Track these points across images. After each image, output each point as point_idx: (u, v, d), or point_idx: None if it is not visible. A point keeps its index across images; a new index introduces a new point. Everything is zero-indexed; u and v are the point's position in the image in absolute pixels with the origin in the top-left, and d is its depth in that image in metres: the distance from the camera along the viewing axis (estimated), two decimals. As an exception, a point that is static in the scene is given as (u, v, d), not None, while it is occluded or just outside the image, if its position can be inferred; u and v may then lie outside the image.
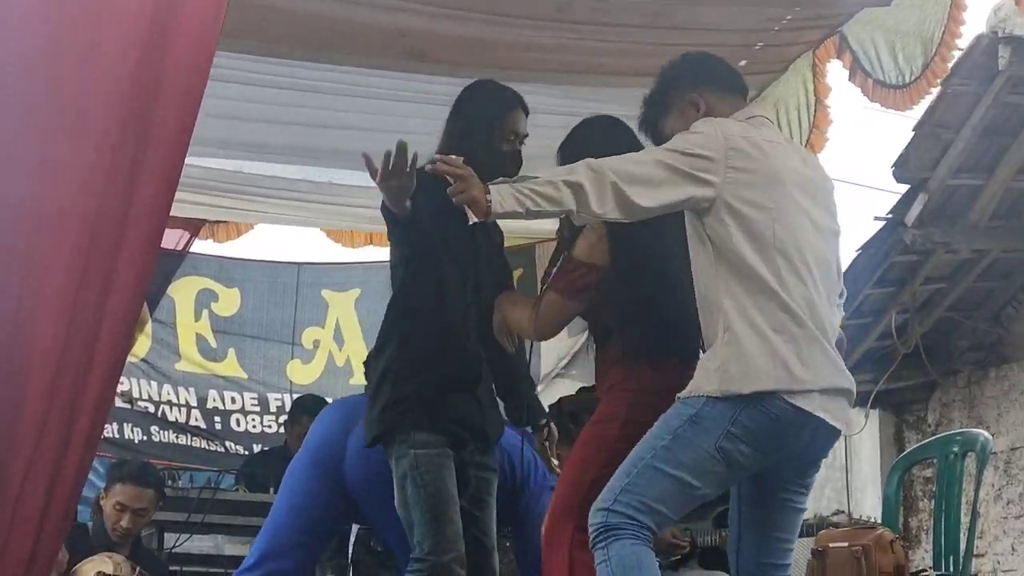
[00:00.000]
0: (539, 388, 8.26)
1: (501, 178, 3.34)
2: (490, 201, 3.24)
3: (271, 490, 6.16)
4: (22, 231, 2.61)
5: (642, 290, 3.75)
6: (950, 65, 5.79)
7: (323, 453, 4.52)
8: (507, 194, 3.24)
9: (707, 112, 3.56)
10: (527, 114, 4.24)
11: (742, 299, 3.32)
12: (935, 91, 5.96)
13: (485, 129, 4.14)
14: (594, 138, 3.94)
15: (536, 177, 3.28)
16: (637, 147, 3.77)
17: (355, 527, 4.99)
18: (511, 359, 4.26)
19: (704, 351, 3.46)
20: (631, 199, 3.26)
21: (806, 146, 6.28)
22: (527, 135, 4.24)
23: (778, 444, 3.31)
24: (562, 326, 3.92)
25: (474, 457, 4.15)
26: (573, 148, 3.88)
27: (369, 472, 4.30)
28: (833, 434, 3.43)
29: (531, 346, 4.19)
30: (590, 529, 3.32)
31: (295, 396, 7.95)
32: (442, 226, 4.02)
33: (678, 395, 3.40)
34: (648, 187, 3.29)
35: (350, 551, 5.16)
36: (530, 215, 3.30)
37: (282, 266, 8.41)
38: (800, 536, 5.98)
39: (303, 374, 8.53)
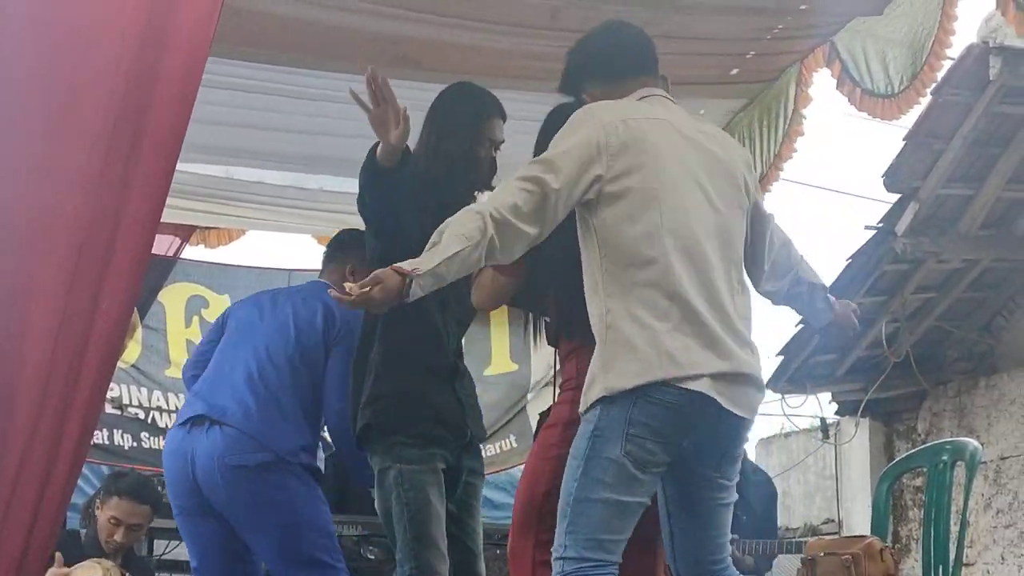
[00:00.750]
0: (529, 396, 8.31)
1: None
2: (407, 295, 3.05)
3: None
4: (12, 234, 2.61)
5: (570, 278, 3.52)
6: (938, 75, 5.80)
7: (177, 493, 4.51)
8: (426, 279, 3.07)
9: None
10: (504, 120, 4.23)
11: (625, 292, 3.23)
12: (923, 101, 5.96)
13: (463, 136, 4.11)
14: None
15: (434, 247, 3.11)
16: None
17: (343, 532, 4.98)
18: (462, 379, 4.24)
19: None
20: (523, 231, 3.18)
21: (775, 155, 6.29)
22: (503, 141, 4.22)
23: (681, 430, 3.22)
24: (498, 298, 3.83)
25: (464, 461, 4.15)
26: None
27: (229, 490, 4.33)
28: (738, 423, 3.32)
29: None
30: None
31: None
32: (418, 220, 4.00)
33: (579, 411, 3.33)
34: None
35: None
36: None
37: (273, 272, 8.39)
38: (793, 552, 6.05)
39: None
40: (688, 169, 3.34)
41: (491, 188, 4.17)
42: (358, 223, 4.30)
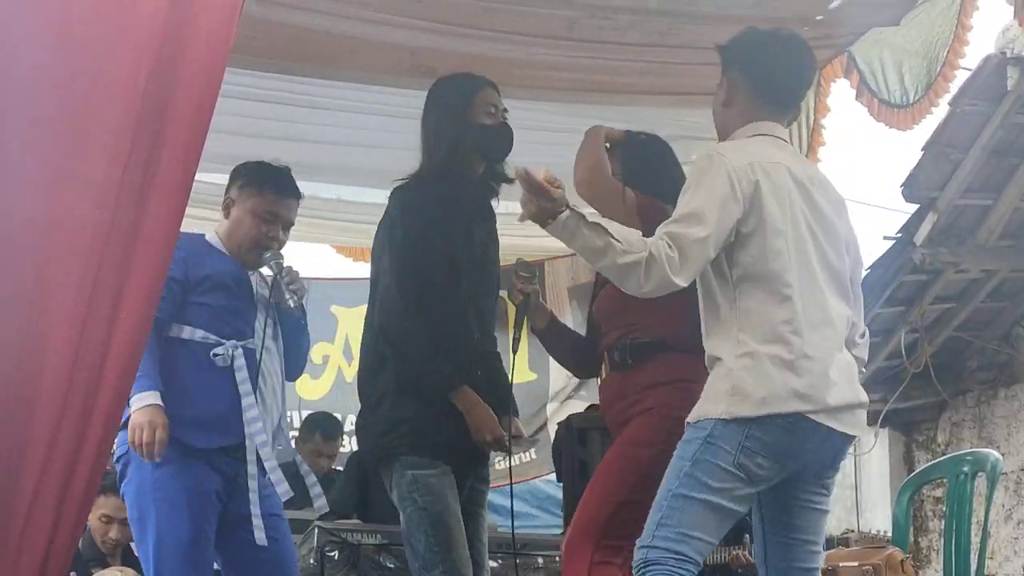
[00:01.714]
0: (549, 408, 8.31)
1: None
2: (553, 220, 3.28)
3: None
4: (33, 244, 2.61)
5: (686, 314, 3.66)
6: (952, 85, 5.80)
7: None
8: (573, 222, 3.28)
9: (732, 104, 3.59)
10: (497, 90, 4.21)
11: (756, 320, 3.34)
12: (936, 111, 5.96)
13: (459, 108, 4.10)
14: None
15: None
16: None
17: (362, 541, 4.98)
18: (501, 377, 4.24)
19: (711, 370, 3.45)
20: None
21: None
22: (507, 109, 4.20)
23: (794, 452, 3.33)
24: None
25: (472, 468, 4.14)
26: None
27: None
28: (847, 439, 3.44)
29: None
30: (633, 566, 3.33)
31: (304, 412, 7.95)
32: (445, 241, 4.02)
33: (687, 420, 3.41)
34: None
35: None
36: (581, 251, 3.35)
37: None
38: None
39: (312, 390, 8.52)
40: (805, 208, 3.45)
41: (506, 153, 4.17)
42: (374, 231, 4.29)
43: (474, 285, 4.10)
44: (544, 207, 3.26)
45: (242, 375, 4.04)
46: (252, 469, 4.01)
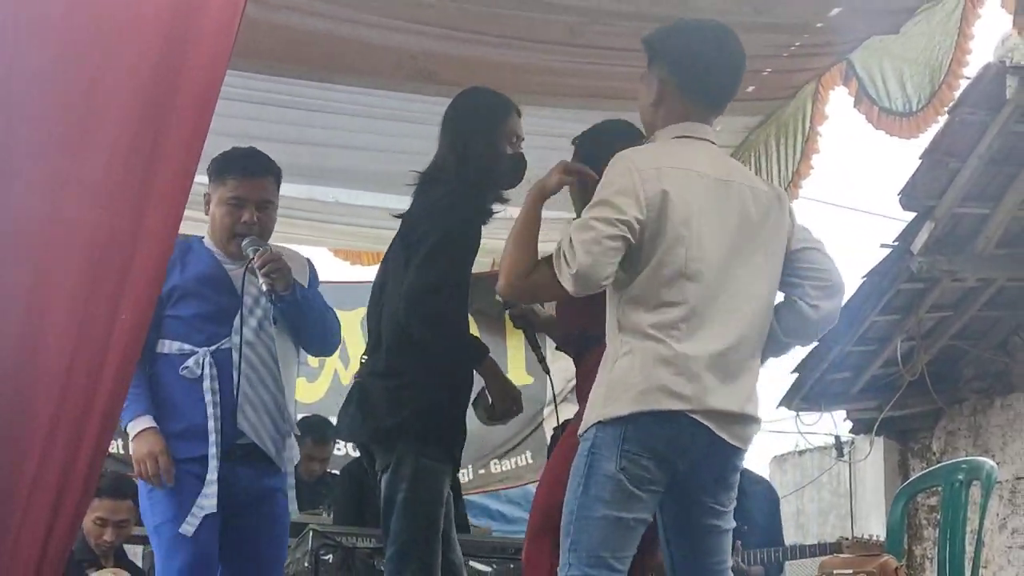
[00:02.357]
0: (546, 411, 8.30)
1: None
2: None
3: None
4: (32, 244, 2.61)
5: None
6: (956, 94, 5.80)
7: None
8: None
9: (661, 103, 3.49)
10: (520, 116, 4.26)
11: (638, 329, 3.29)
12: (940, 119, 5.96)
13: (488, 134, 4.14)
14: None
15: None
16: None
17: (356, 545, 4.98)
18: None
19: None
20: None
21: (793, 174, 6.29)
22: (523, 138, 4.25)
23: (674, 451, 3.26)
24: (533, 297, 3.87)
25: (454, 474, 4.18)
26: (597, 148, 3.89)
27: None
28: (731, 450, 3.34)
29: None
30: None
31: (300, 415, 7.94)
32: (474, 245, 4.09)
33: (577, 433, 3.39)
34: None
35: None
36: None
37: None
38: (801, 557, 6.01)
39: (309, 392, 8.50)
40: (712, 216, 3.34)
41: (517, 184, 4.20)
42: (374, 235, 4.34)
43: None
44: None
45: (208, 384, 4.03)
46: (212, 476, 3.99)
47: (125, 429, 4.04)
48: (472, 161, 4.10)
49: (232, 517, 4.05)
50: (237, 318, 4.09)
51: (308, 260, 4.46)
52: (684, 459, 3.28)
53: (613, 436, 3.25)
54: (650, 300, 3.28)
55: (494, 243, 4.38)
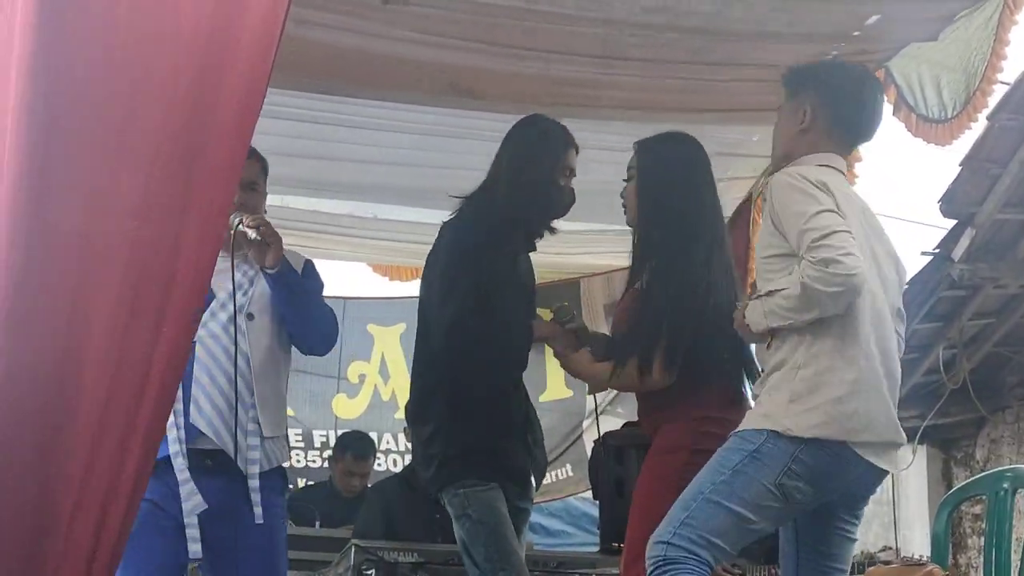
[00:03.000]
0: (585, 424, 8.29)
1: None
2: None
3: (316, 524, 6.18)
4: (73, 257, 2.62)
5: (704, 318, 3.77)
6: (990, 99, 5.76)
7: None
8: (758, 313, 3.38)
9: (809, 131, 3.58)
10: (577, 151, 4.29)
11: (821, 338, 3.33)
12: (974, 125, 5.92)
13: (547, 166, 4.20)
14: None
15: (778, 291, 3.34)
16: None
17: (399, 560, 4.98)
18: (534, 421, 4.31)
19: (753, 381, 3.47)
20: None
21: None
22: (575, 174, 4.30)
23: (835, 482, 3.34)
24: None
25: (514, 496, 4.19)
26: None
27: None
28: (882, 474, 3.46)
29: None
30: (647, 562, 3.31)
31: (340, 431, 7.96)
32: (507, 274, 4.16)
33: (735, 430, 3.41)
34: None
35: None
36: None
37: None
38: (850, 574, 5.98)
39: (348, 409, 8.53)
40: (871, 237, 3.48)
41: (563, 217, 4.28)
42: (413, 250, 4.37)
43: (516, 311, 4.21)
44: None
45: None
46: (184, 474, 3.70)
47: None
48: (526, 188, 4.14)
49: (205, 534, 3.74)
50: (207, 312, 3.77)
51: (308, 260, 4.25)
52: (841, 485, 3.36)
53: (784, 452, 3.28)
54: (837, 323, 3.33)
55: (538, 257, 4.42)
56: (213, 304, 3.81)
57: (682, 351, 3.75)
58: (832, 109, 3.58)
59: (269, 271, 3.89)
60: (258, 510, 3.80)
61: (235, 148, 2.77)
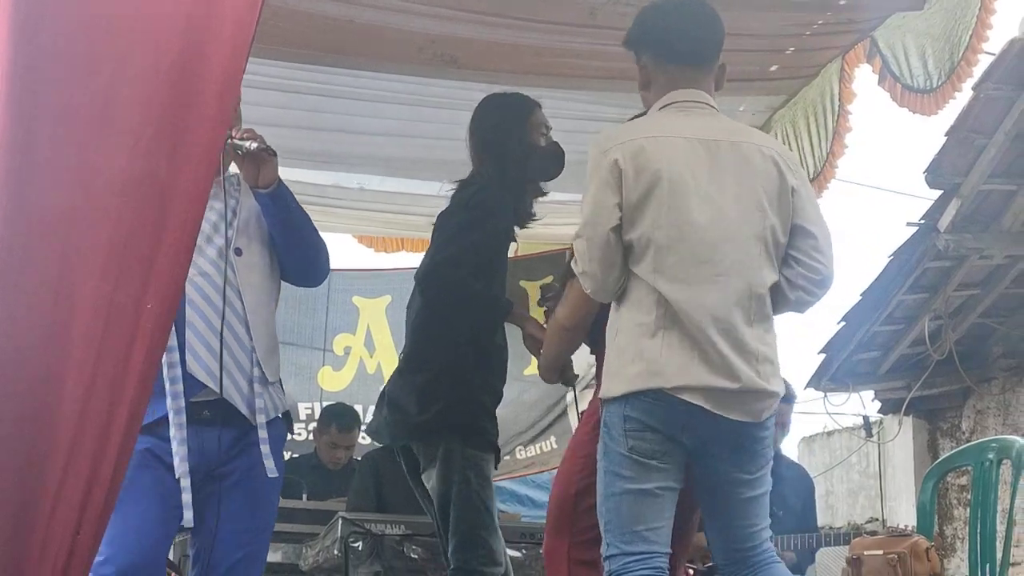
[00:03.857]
0: (569, 397, 8.29)
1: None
2: None
3: (303, 496, 6.18)
4: (57, 234, 2.62)
5: None
6: (975, 70, 5.75)
7: None
8: None
9: (650, 84, 3.52)
10: (540, 107, 4.34)
11: (631, 304, 3.31)
12: (959, 96, 5.92)
13: (519, 131, 4.19)
14: None
15: None
16: None
17: (386, 532, 4.98)
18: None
19: None
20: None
21: (828, 154, 6.26)
22: (551, 127, 4.33)
23: (673, 427, 3.26)
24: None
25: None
26: None
27: None
28: (739, 425, 3.29)
29: None
30: None
31: (325, 404, 7.95)
32: (504, 247, 4.19)
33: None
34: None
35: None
36: None
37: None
38: (835, 544, 6.01)
39: (334, 381, 8.52)
40: (699, 180, 3.32)
41: (560, 172, 4.29)
42: (398, 221, 4.35)
43: (501, 284, 4.27)
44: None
45: None
46: (178, 432, 3.38)
47: None
48: (510, 161, 4.15)
49: (204, 484, 3.47)
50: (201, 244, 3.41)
51: None
52: (688, 433, 3.27)
53: (616, 415, 3.28)
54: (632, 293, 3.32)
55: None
56: (198, 238, 3.31)
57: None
58: (653, 50, 3.49)
59: (263, 191, 3.56)
60: (269, 463, 3.52)
61: (217, 125, 2.76)
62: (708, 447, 3.31)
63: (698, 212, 3.28)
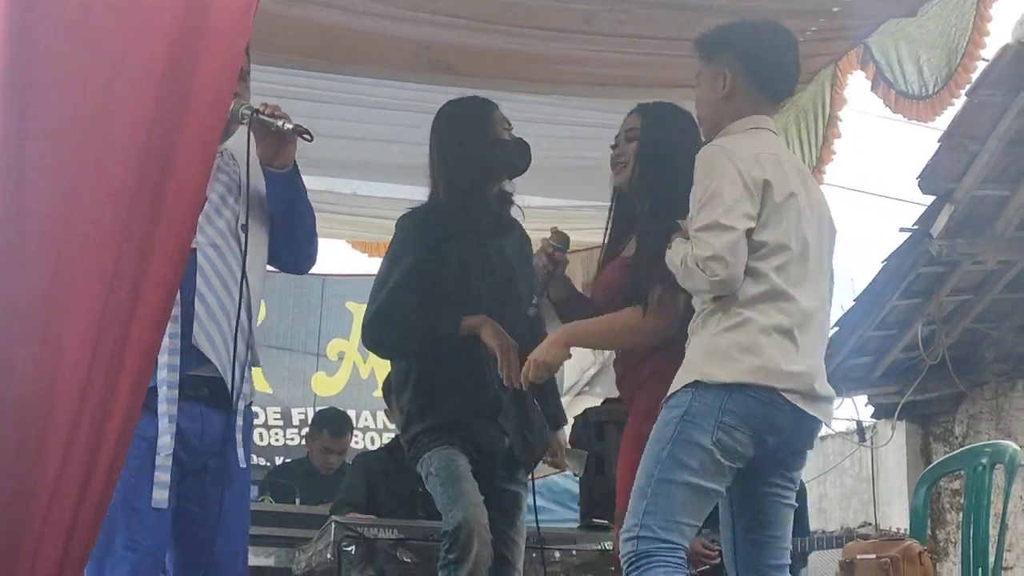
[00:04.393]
0: (563, 401, 8.29)
1: None
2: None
3: (296, 500, 6.18)
4: (50, 239, 2.62)
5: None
6: (972, 76, 5.77)
7: None
8: None
9: (732, 97, 3.56)
10: (497, 108, 4.32)
11: (738, 297, 3.36)
12: (957, 102, 5.93)
13: (482, 130, 4.19)
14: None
15: None
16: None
17: (379, 536, 4.99)
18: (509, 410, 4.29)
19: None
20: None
21: (817, 159, 6.27)
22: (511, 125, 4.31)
23: (770, 425, 3.32)
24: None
25: (499, 475, 4.19)
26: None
27: None
28: (815, 425, 3.44)
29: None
30: (621, 558, 3.31)
31: (318, 409, 7.96)
32: (454, 263, 4.16)
33: (662, 401, 3.42)
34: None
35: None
36: None
37: (307, 277, 8.44)
38: (827, 548, 6.01)
39: (327, 386, 8.53)
40: (802, 197, 3.46)
41: (526, 168, 4.24)
42: (391, 227, 4.33)
43: (494, 299, 4.18)
44: None
45: None
46: (165, 406, 3.21)
47: None
48: (474, 162, 4.12)
49: (188, 474, 3.32)
50: (202, 215, 3.14)
51: None
52: (776, 435, 3.34)
53: (712, 405, 3.29)
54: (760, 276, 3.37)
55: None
56: (207, 208, 3.24)
57: (680, 296, 3.66)
58: (751, 70, 3.54)
59: (279, 171, 3.45)
60: (241, 451, 3.43)
61: (208, 135, 2.77)
62: (782, 449, 3.40)
63: (808, 230, 3.43)
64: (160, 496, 3.21)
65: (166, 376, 3.20)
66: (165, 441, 3.20)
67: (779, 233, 3.37)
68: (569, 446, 4.52)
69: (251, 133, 3.42)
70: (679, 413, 3.31)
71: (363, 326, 4.23)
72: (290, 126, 3.37)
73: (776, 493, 3.47)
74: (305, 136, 3.40)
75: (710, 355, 3.33)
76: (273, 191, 3.47)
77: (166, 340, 3.13)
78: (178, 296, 3.01)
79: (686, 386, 3.33)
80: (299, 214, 3.54)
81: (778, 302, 3.34)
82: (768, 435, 3.33)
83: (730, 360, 3.29)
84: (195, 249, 3.23)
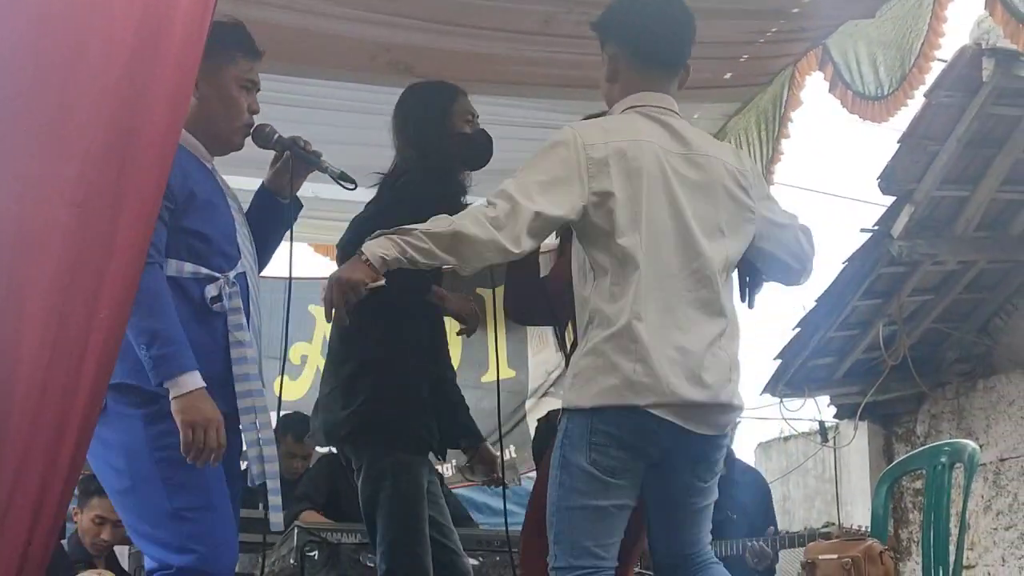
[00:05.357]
0: (528, 404, 8.28)
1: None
2: (367, 259, 3.09)
3: (260, 506, 6.14)
4: (5, 244, 2.60)
5: None
6: (927, 77, 5.80)
7: None
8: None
9: (616, 78, 3.48)
10: (466, 95, 4.26)
11: (604, 310, 3.24)
12: (911, 103, 5.97)
13: (441, 120, 4.14)
14: None
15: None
16: None
17: (342, 541, 4.97)
18: (449, 384, 4.25)
19: None
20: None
21: (770, 160, 6.28)
22: (478, 114, 4.25)
23: (643, 440, 3.23)
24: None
25: (431, 461, 4.19)
26: None
27: None
28: (704, 438, 3.29)
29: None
30: None
31: (282, 413, 7.90)
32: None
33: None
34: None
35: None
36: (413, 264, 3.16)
37: (270, 281, 8.38)
38: (790, 547, 6.03)
39: (291, 390, 8.47)
40: (668, 190, 3.29)
41: (487, 161, 4.21)
42: (354, 230, 4.30)
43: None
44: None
45: (236, 319, 3.28)
46: (250, 449, 3.44)
47: (162, 385, 3.15)
48: (433, 149, 4.08)
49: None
50: (240, 236, 3.35)
51: None
52: (655, 446, 3.24)
53: (582, 427, 3.22)
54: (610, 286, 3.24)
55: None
56: (242, 231, 3.40)
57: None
58: (632, 45, 3.44)
59: (284, 200, 3.60)
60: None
61: (167, 136, 2.75)
62: (672, 459, 3.28)
63: (663, 220, 3.27)
64: (276, 518, 3.50)
65: (258, 418, 3.46)
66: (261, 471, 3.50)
67: (623, 229, 3.22)
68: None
69: (277, 162, 3.61)
70: (560, 438, 3.27)
71: (338, 246, 4.16)
72: (338, 171, 3.54)
73: (688, 500, 3.37)
74: (347, 185, 3.56)
75: (575, 378, 3.27)
76: (274, 216, 3.59)
77: (241, 368, 3.32)
78: (245, 321, 3.29)
79: (563, 411, 3.30)
80: (280, 238, 3.68)
81: (630, 314, 3.20)
82: (647, 447, 3.23)
83: (590, 383, 3.21)
84: (244, 273, 3.37)
